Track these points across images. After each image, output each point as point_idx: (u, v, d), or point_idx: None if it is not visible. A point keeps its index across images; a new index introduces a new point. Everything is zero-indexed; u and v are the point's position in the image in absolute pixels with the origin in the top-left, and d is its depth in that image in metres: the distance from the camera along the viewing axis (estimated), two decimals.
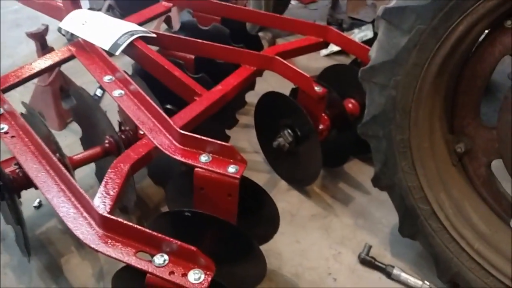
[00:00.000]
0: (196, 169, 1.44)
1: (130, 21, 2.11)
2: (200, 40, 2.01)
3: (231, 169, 1.43)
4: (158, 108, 1.59)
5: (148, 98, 1.62)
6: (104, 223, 1.17)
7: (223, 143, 1.46)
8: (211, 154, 1.48)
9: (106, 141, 1.83)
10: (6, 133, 1.46)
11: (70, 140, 2.45)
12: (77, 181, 1.67)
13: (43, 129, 1.58)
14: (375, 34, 3.26)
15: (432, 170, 1.62)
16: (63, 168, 1.31)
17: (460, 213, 1.62)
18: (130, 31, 1.92)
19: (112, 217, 1.15)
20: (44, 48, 2.29)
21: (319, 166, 2.05)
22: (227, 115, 2.29)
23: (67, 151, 2.32)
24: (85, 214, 1.22)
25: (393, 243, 1.95)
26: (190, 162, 1.47)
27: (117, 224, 1.15)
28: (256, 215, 1.68)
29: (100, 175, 2.13)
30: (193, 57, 2.12)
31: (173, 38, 2.05)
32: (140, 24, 2.19)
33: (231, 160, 1.46)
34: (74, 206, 1.24)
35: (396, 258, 1.88)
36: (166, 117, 1.56)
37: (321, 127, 2.07)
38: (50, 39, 2.44)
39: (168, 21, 3.22)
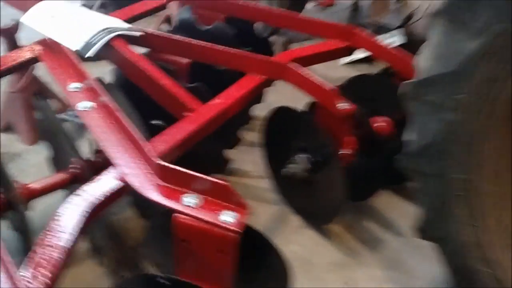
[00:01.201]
0: (175, 215, 1.04)
1: (115, 17, 1.73)
2: (196, 41, 1.62)
3: (225, 216, 1.03)
4: (131, 127, 1.19)
5: (119, 114, 1.22)
6: None
7: (217, 180, 1.06)
8: (199, 195, 1.08)
9: (74, 166, 1.46)
10: None
11: (42, 157, 2.06)
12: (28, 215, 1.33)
13: None
14: (409, 42, 2.88)
15: (499, 223, 1.19)
16: None
17: None
18: (109, 28, 1.53)
19: None
20: (13, 48, 1.92)
21: (341, 201, 1.63)
22: (227, 133, 1.90)
23: (35, 172, 1.96)
24: None
25: None
26: (169, 205, 1.07)
27: None
28: (258, 271, 1.28)
29: None
30: (188, 62, 1.73)
31: (164, 38, 1.66)
32: (128, 22, 1.81)
33: (227, 204, 1.06)
34: None
35: None
36: (141, 140, 1.17)
37: (344, 151, 1.66)
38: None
39: (169, 20, 2.84)
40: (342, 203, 1.64)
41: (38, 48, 1.55)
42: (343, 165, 1.61)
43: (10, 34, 1.92)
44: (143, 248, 1.64)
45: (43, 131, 1.69)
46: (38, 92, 2.10)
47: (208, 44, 1.65)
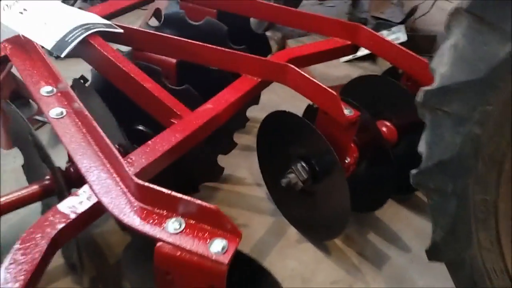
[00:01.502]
0: (159, 244, 0.90)
1: (94, 12, 1.56)
2: (184, 39, 1.46)
3: (216, 246, 0.89)
4: (107, 140, 1.04)
5: (94, 123, 1.07)
6: None
7: (205, 203, 0.91)
8: (185, 220, 0.93)
9: (47, 177, 1.30)
10: None
11: (19, 163, 1.90)
12: None
13: None
14: (409, 38, 2.73)
15: None
16: None
17: None
18: (86, 25, 1.37)
19: None
20: None
21: (345, 215, 1.49)
22: (221, 136, 1.75)
23: (10, 178, 1.83)
24: None
25: None
26: (151, 232, 0.93)
27: None
28: None
29: None
30: (175, 61, 1.57)
31: (148, 35, 1.50)
32: (111, 16, 1.66)
33: (216, 231, 0.91)
34: None
35: None
36: (118, 154, 1.01)
37: (347, 160, 1.53)
38: None
39: (158, 15, 2.68)
40: (345, 218, 1.50)
41: (9, 45, 1.38)
42: (346, 175, 1.47)
43: None
44: (124, 267, 1.49)
45: (14, 137, 1.53)
46: (15, 92, 1.94)
47: (198, 43, 1.49)
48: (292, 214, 1.71)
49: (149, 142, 1.14)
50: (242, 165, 1.98)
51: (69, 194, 1.07)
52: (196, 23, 1.72)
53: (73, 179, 1.27)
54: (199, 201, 0.91)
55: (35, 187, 1.31)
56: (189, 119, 1.26)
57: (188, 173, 1.58)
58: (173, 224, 0.93)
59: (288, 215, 1.72)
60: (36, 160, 1.46)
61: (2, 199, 1.27)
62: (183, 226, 0.92)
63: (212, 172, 1.82)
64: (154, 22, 2.57)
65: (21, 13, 1.40)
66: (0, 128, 1.94)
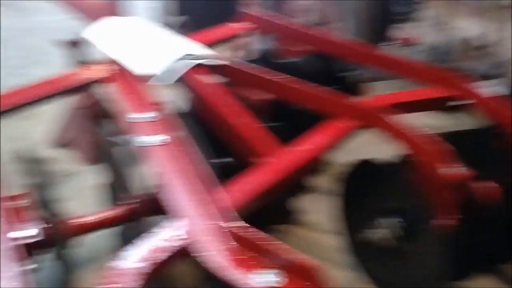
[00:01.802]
0: None
1: (195, 40, 1.58)
2: (284, 77, 1.42)
3: None
4: (204, 171, 1.00)
5: (192, 154, 1.04)
6: None
7: (307, 260, 0.84)
8: (279, 271, 0.86)
9: (131, 201, 1.30)
10: None
11: (100, 179, 1.92)
12: None
13: None
14: None
15: None
16: None
17: None
18: (195, 54, 1.38)
19: None
20: (80, 62, 1.80)
21: (435, 280, 1.35)
22: None
23: (90, 194, 1.84)
24: None
25: None
26: (237, 279, 0.86)
27: None
28: None
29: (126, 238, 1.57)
30: (268, 98, 1.53)
31: (246, 70, 1.47)
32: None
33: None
34: None
35: None
36: (215, 188, 0.97)
37: (445, 220, 1.39)
38: None
39: (245, 48, 2.70)
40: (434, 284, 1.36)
41: (108, 68, 1.42)
42: (442, 236, 1.34)
43: (76, 47, 1.78)
44: None
45: (99, 155, 1.56)
46: (103, 112, 1.99)
47: (295, 82, 1.46)
48: (373, 271, 1.58)
49: (244, 178, 1.09)
50: (313, 208, 1.87)
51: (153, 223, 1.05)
52: (292, 60, 1.69)
53: (158, 208, 1.24)
54: (301, 256, 0.84)
55: (121, 209, 1.30)
56: (284, 159, 1.21)
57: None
58: (266, 275, 0.86)
59: (368, 271, 1.59)
60: (118, 181, 1.47)
61: (82, 220, 1.27)
62: (276, 278, 0.85)
63: (281, 213, 1.74)
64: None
65: (120, 36, 1.44)
66: (86, 143, 2.00)
